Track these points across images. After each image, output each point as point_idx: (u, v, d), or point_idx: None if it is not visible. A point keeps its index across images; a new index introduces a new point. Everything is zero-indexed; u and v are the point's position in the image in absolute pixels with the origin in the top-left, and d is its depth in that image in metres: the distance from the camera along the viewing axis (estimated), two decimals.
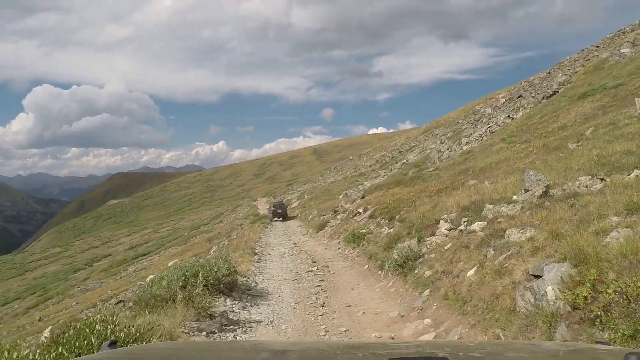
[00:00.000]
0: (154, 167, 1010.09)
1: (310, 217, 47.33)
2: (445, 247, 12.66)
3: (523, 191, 13.67)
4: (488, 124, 53.17)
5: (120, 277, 72.12)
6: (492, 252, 10.43)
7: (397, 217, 22.20)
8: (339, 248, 24.60)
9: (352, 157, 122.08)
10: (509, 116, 49.81)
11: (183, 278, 12.01)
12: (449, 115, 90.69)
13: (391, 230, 20.31)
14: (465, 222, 13.43)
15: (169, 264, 55.35)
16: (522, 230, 10.34)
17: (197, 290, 11.36)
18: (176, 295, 11.02)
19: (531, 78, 69.50)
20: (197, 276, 12.03)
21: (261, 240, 32.24)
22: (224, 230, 66.24)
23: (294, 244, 30.07)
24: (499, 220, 12.02)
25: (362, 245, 21.74)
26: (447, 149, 52.33)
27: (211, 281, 12.30)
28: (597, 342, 3.21)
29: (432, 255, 12.98)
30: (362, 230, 23.98)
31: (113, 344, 2.84)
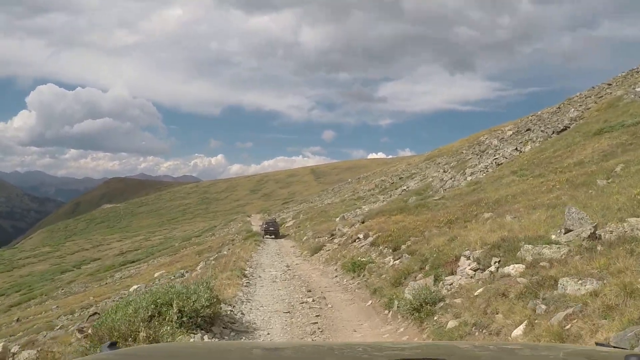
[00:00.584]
0: (151, 175, 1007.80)
1: (305, 238, 45.26)
2: (475, 293, 10.38)
3: (562, 230, 11.58)
4: (494, 155, 51.74)
5: (106, 284, 69.39)
6: (544, 307, 8.17)
7: (403, 247, 20.14)
8: (336, 276, 22.27)
9: (351, 180, 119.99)
10: (516, 149, 48.35)
11: (153, 306, 9.72)
12: (452, 145, 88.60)
13: (397, 261, 18.09)
14: (497, 263, 11.26)
15: (155, 275, 53.44)
16: (580, 281, 8.17)
17: (166, 328, 9.11)
18: (138, 332, 8.81)
19: (539, 112, 68.07)
20: (172, 305, 9.74)
21: (252, 260, 30.00)
22: (215, 244, 64.05)
23: (287, 266, 27.80)
24: (541, 264, 9.87)
25: (363, 275, 19.39)
26: (451, 179, 50.97)
27: (187, 312, 9.96)
28: (597, 344, 3.21)
29: (457, 301, 10.71)
30: (363, 259, 21.69)
31: (113, 345, 2.80)
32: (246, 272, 23.14)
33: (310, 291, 18.40)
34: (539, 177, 29.03)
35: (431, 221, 23.23)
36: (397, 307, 12.76)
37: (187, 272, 38.99)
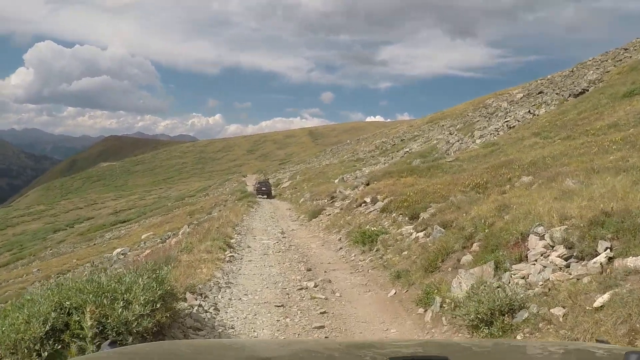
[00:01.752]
0: (148, 134, 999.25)
1: (302, 200, 41.62)
2: (595, 301, 6.18)
3: None
4: (505, 118, 48.72)
5: (94, 244, 67.41)
6: None
7: (424, 215, 16.18)
8: (340, 248, 18.16)
9: (350, 142, 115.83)
10: (529, 111, 45.27)
11: (55, 314, 5.72)
12: (456, 107, 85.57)
13: (420, 233, 14.09)
14: (608, 250, 7.22)
15: (143, 236, 50.21)
16: None
17: (73, 348, 5.14)
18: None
19: (549, 76, 65.21)
20: (85, 312, 5.74)
21: (242, 224, 26.10)
22: (208, 204, 61.40)
23: (282, 232, 23.81)
24: None
25: (377, 250, 15.25)
26: (458, 141, 47.90)
27: (113, 325, 5.91)
28: (597, 341, 3.12)
29: (557, 313, 6.58)
30: (374, 228, 17.58)
31: (113, 344, 2.74)
32: (232, 240, 19.02)
33: (310, 270, 14.25)
34: (568, 139, 26.02)
35: (453, 184, 19.38)
36: (442, 307, 8.67)
37: (174, 234, 35.93)
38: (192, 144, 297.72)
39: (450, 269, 10.29)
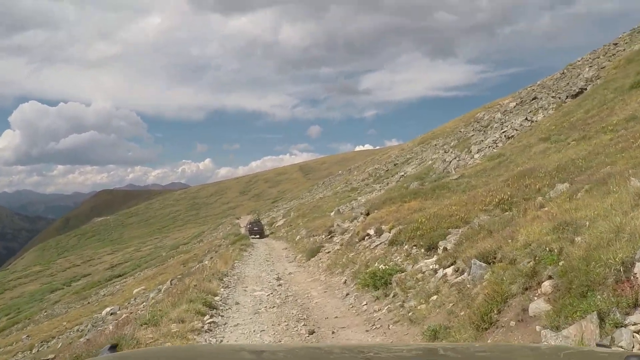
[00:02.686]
0: (140, 185, 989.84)
1: (298, 237, 38.61)
2: None
3: None
4: (501, 128, 46.59)
5: (88, 303, 64.68)
6: None
7: (443, 244, 13.15)
8: (347, 294, 14.87)
9: (342, 172, 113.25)
10: (526, 119, 43.15)
11: None
12: (446, 126, 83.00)
13: (448, 270, 10.82)
14: None
15: (134, 292, 47.21)
16: None
17: None
18: None
19: (539, 82, 63.44)
20: None
21: (232, 273, 22.82)
22: (201, 251, 58.67)
23: (278, 278, 20.48)
24: None
25: (394, 295, 12.00)
26: (455, 158, 45.51)
27: None
28: (597, 345, 3.57)
29: None
30: (384, 266, 14.43)
31: (113, 348, 2.74)
32: (217, 298, 15.49)
33: (313, 333, 11.00)
34: (584, 139, 23.56)
35: (471, 204, 16.37)
36: None
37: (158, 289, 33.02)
38: (184, 191, 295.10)
39: (514, 323, 7.13)
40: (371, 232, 20.08)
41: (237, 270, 24.46)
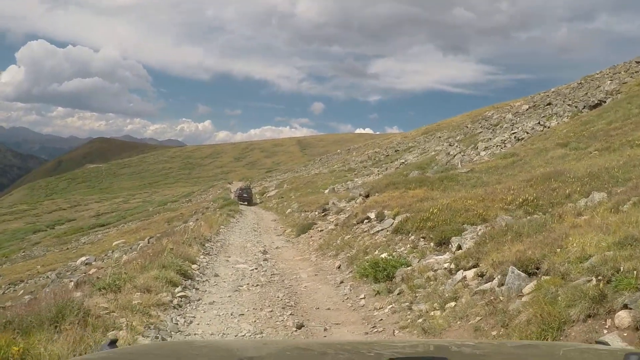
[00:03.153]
0: (137, 137, 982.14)
1: (289, 211, 36.88)
2: None
3: None
4: (512, 129, 45.10)
5: (67, 248, 63.17)
6: None
7: (458, 241, 11.47)
8: (342, 282, 12.92)
9: (340, 151, 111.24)
10: (539, 123, 41.60)
11: None
12: (453, 119, 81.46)
13: (469, 273, 8.99)
14: None
15: (114, 244, 45.67)
16: None
17: None
18: None
19: (554, 89, 62.22)
20: None
21: (217, 239, 21.14)
22: (188, 211, 57.05)
23: (264, 252, 18.66)
24: None
25: (399, 291, 10.08)
26: (460, 152, 44.16)
27: None
28: (597, 342, 3.14)
29: None
30: (386, 256, 12.64)
31: (113, 344, 2.70)
32: (194, 266, 13.66)
33: (302, 327, 9.15)
34: (608, 150, 22.57)
35: (489, 200, 14.69)
36: None
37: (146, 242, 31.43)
38: (179, 149, 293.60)
39: None
40: (372, 215, 18.31)
41: (222, 236, 22.76)
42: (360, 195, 26.02)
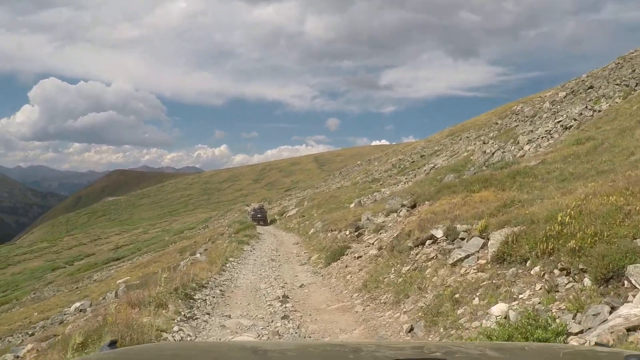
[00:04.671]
0: (154, 167, 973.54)
1: (312, 231, 31.16)
2: None
3: None
4: (555, 118, 39.45)
5: (76, 287, 58.06)
6: None
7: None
8: None
9: (360, 162, 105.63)
10: (586, 108, 35.99)
11: None
12: (477, 118, 76.23)
13: None
14: None
15: (118, 282, 40.47)
16: None
17: None
18: None
19: (587, 73, 56.44)
20: None
21: (219, 280, 15.12)
22: (202, 239, 51.77)
23: (284, 298, 12.48)
24: None
25: None
26: (499, 149, 38.77)
27: None
28: (596, 344, 3.52)
29: None
30: (505, 309, 6.60)
31: (113, 344, 2.61)
32: (166, 336, 7.40)
33: None
34: None
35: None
36: None
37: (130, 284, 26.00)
38: (197, 176, 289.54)
39: None
40: (437, 233, 12.12)
41: (227, 275, 16.78)
42: (402, 206, 19.92)
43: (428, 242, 12.35)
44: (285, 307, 11.61)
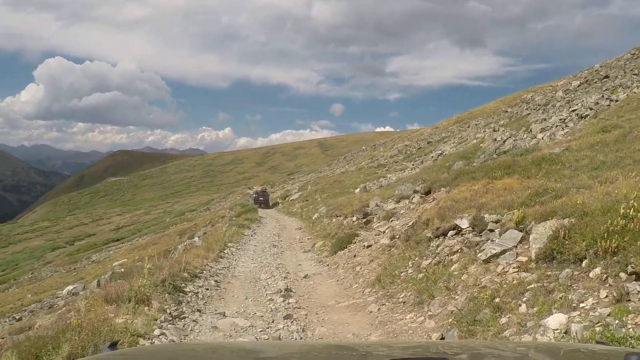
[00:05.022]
0: (158, 148, 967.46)
1: (316, 216, 29.71)
2: None
3: None
4: (569, 107, 38.04)
5: (74, 269, 56.93)
6: None
7: None
8: None
9: (365, 148, 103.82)
10: (603, 97, 34.62)
11: None
12: (486, 106, 74.61)
13: None
14: None
15: (115, 264, 39.23)
16: None
17: None
18: None
19: (600, 64, 55.19)
20: None
21: (215, 268, 13.81)
22: (202, 221, 50.34)
23: (286, 291, 11.10)
24: None
25: None
26: (510, 137, 37.37)
27: None
28: (597, 342, 3.43)
29: None
30: (566, 323, 5.25)
31: (113, 346, 2.54)
32: (144, 342, 6.17)
33: None
34: None
35: None
36: None
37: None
38: (200, 157, 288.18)
39: None
40: (462, 223, 10.62)
41: (225, 261, 15.40)
42: (415, 192, 18.42)
43: (451, 232, 10.88)
44: (288, 303, 10.19)
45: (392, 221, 16.63)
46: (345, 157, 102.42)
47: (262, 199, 55.93)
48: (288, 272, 14.15)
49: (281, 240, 22.70)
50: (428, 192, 17.14)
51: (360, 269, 13.03)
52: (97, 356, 2.52)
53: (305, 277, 13.62)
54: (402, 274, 10.52)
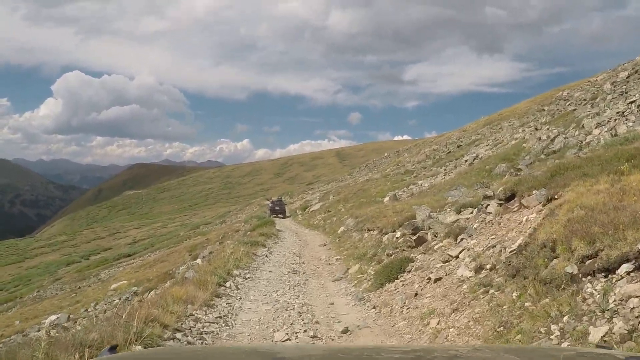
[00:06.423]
0: (176, 161, 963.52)
1: (342, 229, 25.39)
2: None
3: None
4: (625, 99, 33.32)
5: (78, 287, 52.86)
6: None
7: None
8: None
9: (388, 154, 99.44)
10: None
11: None
12: (516, 107, 70.91)
13: None
14: None
15: (112, 287, 34.73)
16: None
17: None
18: None
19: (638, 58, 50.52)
20: None
21: (212, 311, 8.93)
22: (215, 236, 45.74)
23: None
24: None
25: None
26: (559, 135, 32.79)
27: None
28: (597, 346, 3.15)
29: None
30: None
31: (113, 349, 2.57)
32: None
33: None
34: None
35: None
36: None
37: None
38: (218, 170, 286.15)
39: None
40: None
41: (222, 304, 10.38)
42: (488, 198, 13.12)
43: (625, 266, 5.77)
44: None
45: (462, 240, 11.49)
46: (367, 164, 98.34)
47: (278, 208, 56.32)
48: (317, 322, 9.18)
49: (303, 263, 17.83)
50: (510, 197, 11.99)
51: (435, 322, 7.91)
52: (98, 359, 2.43)
53: (344, 332, 8.59)
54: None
